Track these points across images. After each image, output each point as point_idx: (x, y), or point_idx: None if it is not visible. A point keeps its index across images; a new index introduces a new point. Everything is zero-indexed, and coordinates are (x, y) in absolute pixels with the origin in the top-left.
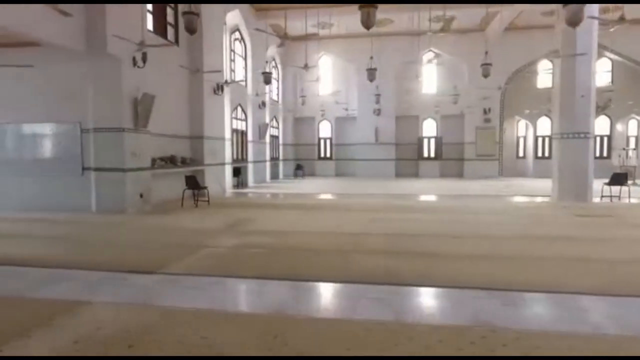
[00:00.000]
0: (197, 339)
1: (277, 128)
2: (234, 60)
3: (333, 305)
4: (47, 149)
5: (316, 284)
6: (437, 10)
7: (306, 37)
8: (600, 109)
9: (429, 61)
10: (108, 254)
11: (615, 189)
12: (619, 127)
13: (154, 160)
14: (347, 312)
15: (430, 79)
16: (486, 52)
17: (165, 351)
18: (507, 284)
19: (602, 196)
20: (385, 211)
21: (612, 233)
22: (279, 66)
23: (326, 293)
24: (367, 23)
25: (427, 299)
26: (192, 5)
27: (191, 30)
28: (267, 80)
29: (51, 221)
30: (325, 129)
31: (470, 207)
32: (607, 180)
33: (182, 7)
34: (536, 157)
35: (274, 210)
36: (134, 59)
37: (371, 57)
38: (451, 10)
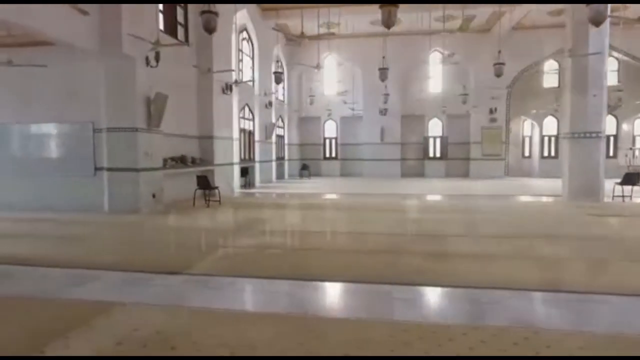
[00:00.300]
0: (236, 340)
1: (283, 128)
2: (241, 60)
3: (365, 305)
4: (59, 148)
5: (341, 284)
6: (449, 9)
7: (318, 37)
8: (611, 109)
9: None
10: (128, 255)
11: (627, 188)
12: (625, 126)
13: (165, 160)
14: (381, 312)
15: (436, 78)
16: (499, 52)
17: (208, 353)
18: (540, 284)
19: (613, 196)
20: (396, 211)
21: (634, 233)
22: (285, 66)
23: (354, 294)
24: (388, 22)
25: (459, 299)
26: (211, 4)
27: (210, 29)
28: (278, 80)
29: (66, 221)
30: (330, 129)
31: (484, 207)
32: (615, 180)
33: (192, 7)
34: (542, 156)
35: (285, 210)
36: (146, 58)
37: (383, 57)
38: (468, 10)
